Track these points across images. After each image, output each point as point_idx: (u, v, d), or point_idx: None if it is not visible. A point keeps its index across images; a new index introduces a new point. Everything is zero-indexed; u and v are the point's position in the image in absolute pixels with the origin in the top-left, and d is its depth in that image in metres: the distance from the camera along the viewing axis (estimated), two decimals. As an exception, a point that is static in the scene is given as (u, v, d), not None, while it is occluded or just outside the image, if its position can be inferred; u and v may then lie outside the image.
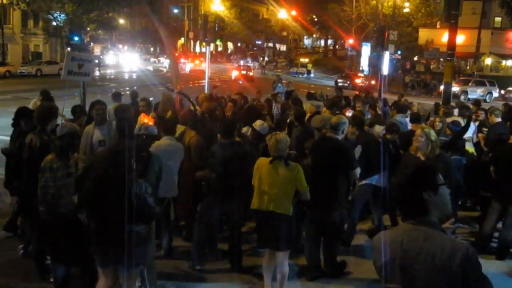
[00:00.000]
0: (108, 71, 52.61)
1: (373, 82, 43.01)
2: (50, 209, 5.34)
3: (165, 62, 59.25)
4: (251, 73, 48.70)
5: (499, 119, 10.10)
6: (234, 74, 48.42)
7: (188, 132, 7.88)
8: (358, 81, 44.71)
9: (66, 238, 5.53)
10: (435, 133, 6.80)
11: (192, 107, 10.67)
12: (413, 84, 45.21)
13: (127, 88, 29.24)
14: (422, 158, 6.50)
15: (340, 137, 6.57)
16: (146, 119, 6.19)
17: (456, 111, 11.83)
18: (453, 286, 2.60)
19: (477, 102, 13.74)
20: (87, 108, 10.97)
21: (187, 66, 52.19)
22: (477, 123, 10.82)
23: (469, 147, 9.76)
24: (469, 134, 9.96)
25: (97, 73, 41.39)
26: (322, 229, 6.58)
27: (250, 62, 60.86)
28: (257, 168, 5.89)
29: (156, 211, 4.99)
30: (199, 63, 54.07)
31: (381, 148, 7.47)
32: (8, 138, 7.47)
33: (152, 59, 70.48)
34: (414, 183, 2.79)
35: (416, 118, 9.68)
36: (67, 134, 5.50)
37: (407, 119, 10.67)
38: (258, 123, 7.94)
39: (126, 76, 47.54)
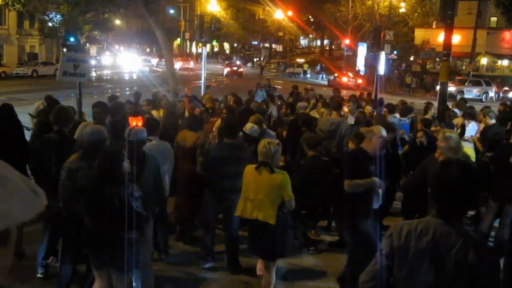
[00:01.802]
0: (105, 71, 52.57)
1: (359, 81, 44.16)
2: (67, 208, 5.35)
3: (152, 61, 63.74)
4: (241, 69, 55.21)
5: (493, 121, 10.05)
6: (226, 70, 53.77)
7: (185, 133, 7.84)
8: (344, 79, 45.42)
9: (79, 238, 5.56)
10: (456, 136, 6.67)
11: (203, 108, 10.73)
12: (432, 86, 44.32)
13: (127, 89, 29.24)
14: None
15: None
16: (134, 122, 6.14)
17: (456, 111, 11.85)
18: (475, 284, 2.66)
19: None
20: (83, 109, 11.02)
21: (176, 64, 53.53)
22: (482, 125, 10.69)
23: (469, 148, 9.77)
24: (471, 133, 9.97)
25: (93, 74, 41.36)
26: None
27: (237, 62, 63.99)
28: (244, 174, 5.81)
29: (143, 216, 4.93)
30: (188, 62, 59.65)
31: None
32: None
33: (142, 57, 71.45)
34: (475, 188, 2.82)
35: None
36: (99, 141, 5.51)
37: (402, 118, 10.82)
38: (248, 126, 7.87)
39: (122, 77, 47.44)
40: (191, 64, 58.91)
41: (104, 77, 45.83)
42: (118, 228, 4.67)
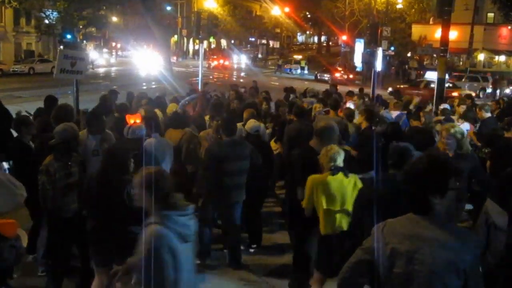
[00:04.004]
0: (101, 69, 52.39)
1: (351, 76, 45.22)
2: (51, 210, 5.33)
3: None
4: (226, 63, 60.58)
5: (488, 114, 10.13)
6: (214, 64, 58.82)
7: (170, 132, 7.75)
8: (337, 75, 45.78)
9: (68, 238, 5.53)
10: (460, 129, 6.51)
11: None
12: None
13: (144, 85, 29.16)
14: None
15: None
16: (132, 120, 6.14)
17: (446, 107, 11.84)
18: (457, 275, 2.68)
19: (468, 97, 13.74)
20: (81, 106, 10.99)
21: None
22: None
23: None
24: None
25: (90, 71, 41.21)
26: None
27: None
28: (314, 186, 5.30)
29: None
30: (172, 57, 62.18)
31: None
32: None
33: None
34: (421, 185, 2.80)
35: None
36: (69, 138, 5.47)
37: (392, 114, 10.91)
38: (250, 124, 7.78)
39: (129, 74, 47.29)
40: (174, 59, 61.54)
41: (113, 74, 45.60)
42: (128, 224, 4.66)
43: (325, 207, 5.25)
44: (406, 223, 2.83)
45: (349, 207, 5.23)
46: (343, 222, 5.27)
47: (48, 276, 5.83)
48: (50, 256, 5.82)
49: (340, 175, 5.25)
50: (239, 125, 8.51)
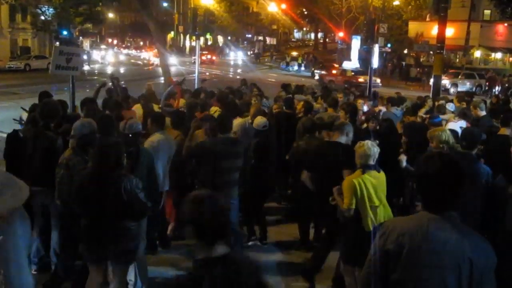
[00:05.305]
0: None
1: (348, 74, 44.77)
2: (67, 204, 5.35)
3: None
4: (214, 58, 64.36)
5: (483, 112, 10.05)
6: (202, 58, 60.88)
7: (169, 131, 7.72)
8: (334, 72, 45.75)
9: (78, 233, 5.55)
10: (447, 134, 6.44)
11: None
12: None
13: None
14: None
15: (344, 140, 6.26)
16: (128, 115, 6.15)
17: (450, 106, 11.80)
18: (475, 277, 2.65)
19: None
20: (77, 102, 10.95)
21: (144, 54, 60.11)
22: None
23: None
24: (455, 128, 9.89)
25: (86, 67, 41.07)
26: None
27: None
28: (356, 185, 5.23)
29: (148, 206, 4.94)
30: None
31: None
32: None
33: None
34: (456, 179, 2.79)
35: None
36: (89, 134, 5.53)
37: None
38: (257, 121, 7.79)
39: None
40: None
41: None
42: (123, 220, 4.69)
43: (366, 205, 5.25)
44: (420, 222, 2.77)
45: (383, 201, 5.34)
46: (385, 216, 5.31)
47: (54, 273, 5.86)
48: (65, 251, 5.84)
49: (373, 172, 5.29)
50: (240, 121, 8.54)
